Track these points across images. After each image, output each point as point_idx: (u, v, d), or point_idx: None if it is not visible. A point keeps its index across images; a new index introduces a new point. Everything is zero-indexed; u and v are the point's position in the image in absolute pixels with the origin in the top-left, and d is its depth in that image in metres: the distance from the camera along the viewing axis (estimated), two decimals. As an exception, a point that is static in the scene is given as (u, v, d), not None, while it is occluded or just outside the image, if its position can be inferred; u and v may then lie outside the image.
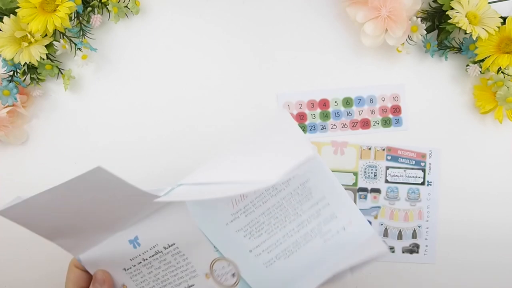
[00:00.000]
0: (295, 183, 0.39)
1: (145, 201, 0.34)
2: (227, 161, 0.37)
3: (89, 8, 0.47)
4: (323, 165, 0.39)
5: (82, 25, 0.48)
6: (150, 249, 0.38)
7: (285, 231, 0.40)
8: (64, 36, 0.48)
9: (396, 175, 0.51)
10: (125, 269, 0.39)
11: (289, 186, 0.39)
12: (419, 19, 0.47)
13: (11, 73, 0.48)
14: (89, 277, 0.39)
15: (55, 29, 0.46)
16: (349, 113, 0.51)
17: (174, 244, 0.38)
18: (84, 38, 0.48)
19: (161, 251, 0.38)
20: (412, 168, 0.51)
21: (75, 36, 0.48)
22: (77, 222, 0.35)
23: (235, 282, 0.40)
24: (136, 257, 0.38)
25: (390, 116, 0.51)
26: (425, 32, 0.48)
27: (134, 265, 0.39)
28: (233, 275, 0.39)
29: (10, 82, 0.47)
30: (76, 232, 0.36)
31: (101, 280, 0.38)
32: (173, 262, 0.39)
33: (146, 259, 0.39)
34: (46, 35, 0.46)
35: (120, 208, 0.35)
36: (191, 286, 0.40)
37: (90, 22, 0.48)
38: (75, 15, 0.48)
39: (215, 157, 0.37)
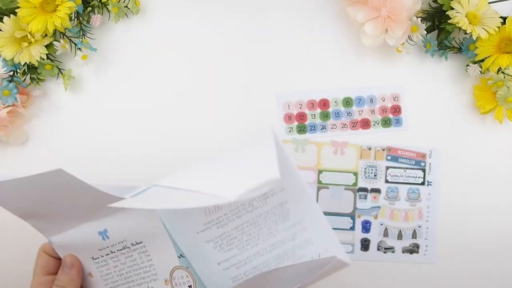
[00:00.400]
0: (273, 202, 0.38)
1: (111, 201, 0.34)
2: (204, 169, 0.36)
3: (89, 8, 0.47)
4: (305, 189, 0.38)
5: (82, 25, 0.48)
6: (119, 243, 0.38)
7: (256, 249, 0.39)
8: (64, 36, 0.48)
9: (396, 175, 0.51)
10: (93, 258, 0.39)
11: (266, 204, 0.38)
12: (419, 19, 0.47)
13: (11, 73, 0.48)
14: (58, 263, 0.39)
15: (55, 29, 0.46)
16: (349, 113, 0.51)
17: (142, 242, 0.38)
18: (84, 38, 0.48)
19: (129, 247, 0.38)
20: (412, 168, 0.51)
21: (75, 36, 0.48)
22: (45, 209, 0.36)
23: None
24: (104, 248, 0.38)
25: (390, 116, 0.51)
26: (425, 32, 0.48)
27: (102, 256, 0.39)
28: (190, 287, 0.39)
29: (10, 82, 0.47)
30: (46, 217, 0.37)
31: (70, 264, 0.39)
32: (138, 260, 0.39)
33: (114, 252, 0.39)
34: (46, 35, 0.46)
35: (87, 204, 0.35)
36: None
37: (90, 22, 0.48)
38: (75, 15, 0.48)
39: (196, 162, 0.36)
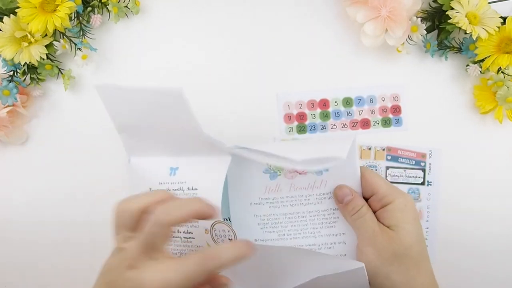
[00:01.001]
0: (327, 204, 0.39)
1: (209, 143, 0.36)
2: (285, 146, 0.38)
3: (89, 8, 0.48)
4: None
5: (82, 25, 0.48)
6: (179, 183, 0.39)
7: (294, 242, 0.40)
8: (64, 36, 0.48)
9: (396, 175, 0.51)
10: (150, 189, 0.40)
11: (321, 204, 0.39)
12: (419, 19, 0.47)
13: (11, 73, 0.48)
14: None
15: (55, 29, 0.46)
16: (349, 113, 0.51)
17: (197, 189, 0.38)
18: (84, 38, 0.48)
19: (183, 190, 0.39)
20: (412, 168, 0.51)
21: (75, 36, 0.48)
22: (144, 127, 0.38)
23: None
24: (164, 183, 0.40)
25: (390, 116, 0.51)
26: (425, 32, 0.48)
27: (157, 189, 0.40)
28: (230, 239, 0.39)
29: (10, 82, 0.47)
30: (140, 135, 0.39)
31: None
32: None
33: (169, 190, 0.39)
34: (46, 35, 0.46)
35: (182, 136, 0.37)
36: (189, 233, 0.40)
37: (90, 22, 0.48)
38: (75, 15, 0.48)
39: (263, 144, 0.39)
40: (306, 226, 0.40)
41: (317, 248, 0.40)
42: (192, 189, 0.39)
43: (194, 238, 0.40)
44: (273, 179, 0.40)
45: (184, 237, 0.40)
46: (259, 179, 0.40)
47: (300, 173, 0.40)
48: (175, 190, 0.39)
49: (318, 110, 0.51)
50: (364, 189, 0.38)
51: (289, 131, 0.51)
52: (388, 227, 0.36)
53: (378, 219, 0.37)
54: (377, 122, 0.51)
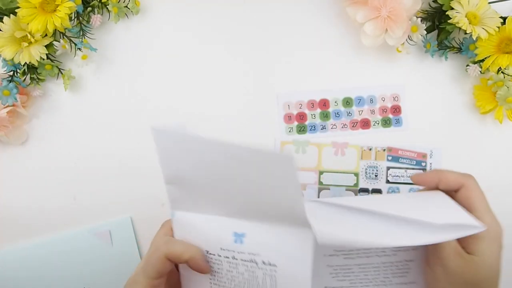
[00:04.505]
0: (402, 256, 0.38)
1: (292, 210, 0.31)
2: (384, 201, 0.35)
3: (89, 8, 0.48)
4: None
5: (82, 25, 0.48)
6: (249, 253, 0.35)
7: None
8: (64, 36, 0.48)
9: (397, 176, 0.51)
10: (207, 252, 0.36)
11: (395, 256, 0.38)
12: (419, 19, 0.47)
13: (11, 73, 0.48)
14: (172, 272, 0.37)
15: (55, 29, 0.46)
16: (349, 113, 0.51)
17: (276, 265, 0.34)
18: (84, 38, 0.48)
19: (257, 263, 0.35)
20: (413, 168, 0.51)
21: (75, 36, 0.48)
22: (205, 181, 0.33)
23: None
24: (228, 250, 0.35)
25: (390, 116, 0.51)
26: (425, 32, 0.48)
27: (220, 256, 0.36)
28: None
29: (10, 82, 0.47)
30: (193, 189, 0.34)
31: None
32: (259, 279, 0.35)
33: (236, 259, 0.35)
34: (46, 35, 0.46)
35: (259, 197, 0.32)
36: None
37: (90, 22, 0.48)
38: (75, 15, 0.48)
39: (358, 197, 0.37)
40: (378, 275, 0.39)
41: None
42: (270, 265, 0.34)
43: None
44: None
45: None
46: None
47: None
48: (245, 261, 0.35)
49: (318, 110, 0.51)
50: (460, 202, 0.35)
51: (289, 131, 0.51)
52: (468, 252, 0.33)
53: (459, 241, 0.34)
54: (377, 122, 0.51)
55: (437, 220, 0.30)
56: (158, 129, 0.31)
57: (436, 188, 0.37)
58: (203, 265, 0.35)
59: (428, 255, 0.37)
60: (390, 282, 0.39)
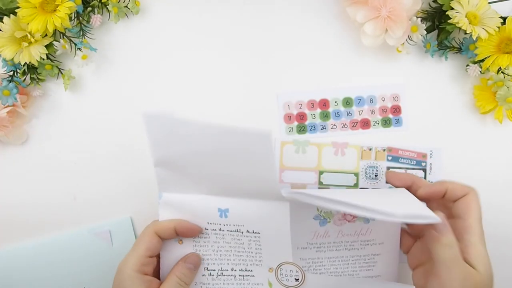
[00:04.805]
0: (370, 250, 0.41)
1: (266, 187, 0.34)
2: (354, 195, 0.37)
3: (89, 8, 0.48)
4: (397, 254, 0.42)
5: (82, 25, 0.48)
6: (234, 225, 0.38)
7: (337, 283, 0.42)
8: (64, 36, 0.48)
9: (397, 176, 0.51)
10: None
11: (364, 249, 0.41)
12: (419, 19, 0.47)
13: (11, 73, 0.48)
14: (160, 246, 0.39)
15: (55, 29, 0.46)
16: (349, 113, 0.51)
17: (259, 233, 0.38)
18: (84, 38, 0.48)
19: (242, 232, 0.38)
20: (413, 168, 0.51)
21: (75, 36, 0.48)
22: (191, 163, 0.35)
23: (295, 286, 0.40)
24: (215, 223, 0.38)
25: (390, 116, 0.51)
26: (425, 32, 0.48)
27: (207, 229, 0.39)
28: (297, 280, 0.40)
29: (10, 82, 0.47)
30: (180, 171, 0.36)
31: (197, 264, 0.38)
32: (245, 245, 0.39)
33: (223, 230, 0.39)
34: (46, 35, 0.46)
35: (237, 178, 0.35)
36: (248, 270, 0.40)
37: (90, 22, 0.48)
38: (75, 15, 0.48)
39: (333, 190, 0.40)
40: (347, 268, 0.42)
41: None
42: (253, 233, 0.38)
43: (253, 276, 0.40)
44: (323, 225, 0.41)
45: (240, 275, 0.40)
46: (308, 225, 0.41)
47: (349, 221, 0.41)
48: (231, 231, 0.38)
49: (318, 110, 0.51)
50: (459, 208, 0.38)
51: (289, 131, 0.51)
52: (470, 264, 0.36)
53: (462, 250, 0.36)
54: (377, 122, 0.51)
55: (400, 211, 0.32)
56: (148, 114, 0.34)
57: (442, 198, 0.39)
58: (192, 226, 0.38)
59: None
60: (358, 275, 0.42)
